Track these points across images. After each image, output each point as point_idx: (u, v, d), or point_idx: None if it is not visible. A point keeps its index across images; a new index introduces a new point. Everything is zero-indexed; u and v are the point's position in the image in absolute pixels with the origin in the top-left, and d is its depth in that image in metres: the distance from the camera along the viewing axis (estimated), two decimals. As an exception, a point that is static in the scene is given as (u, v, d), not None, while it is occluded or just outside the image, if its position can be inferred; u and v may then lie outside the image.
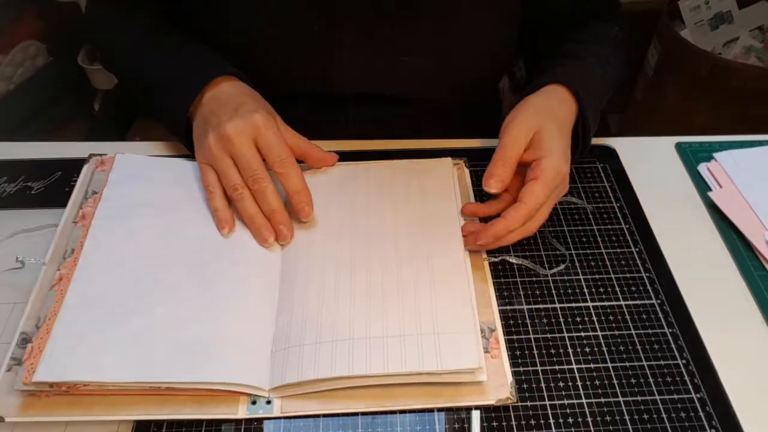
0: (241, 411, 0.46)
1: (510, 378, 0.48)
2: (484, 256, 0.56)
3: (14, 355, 0.47)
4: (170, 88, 0.62)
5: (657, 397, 0.48)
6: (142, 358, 0.46)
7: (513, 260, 0.56)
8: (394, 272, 0.53)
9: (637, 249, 0.59)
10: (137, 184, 0.59)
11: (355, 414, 0.46)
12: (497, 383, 0.48)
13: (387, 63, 0.66)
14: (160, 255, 0.53)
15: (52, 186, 0.63)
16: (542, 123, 0.56)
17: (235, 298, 0.51)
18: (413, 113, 0.72)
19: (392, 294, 0.51)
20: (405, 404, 0.47)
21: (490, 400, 0.47)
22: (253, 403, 0.46)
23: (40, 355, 0.46)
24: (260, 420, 0.46)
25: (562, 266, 0.57)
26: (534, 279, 0.56)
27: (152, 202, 0.58)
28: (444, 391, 0.47)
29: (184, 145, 0.62)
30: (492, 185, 0.54)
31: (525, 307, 0.54)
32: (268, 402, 0.46)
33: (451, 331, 0.49)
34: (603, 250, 0.59)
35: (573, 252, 0.59)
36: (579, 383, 0.49)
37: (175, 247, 0.54)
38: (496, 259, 0.56)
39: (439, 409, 0.47)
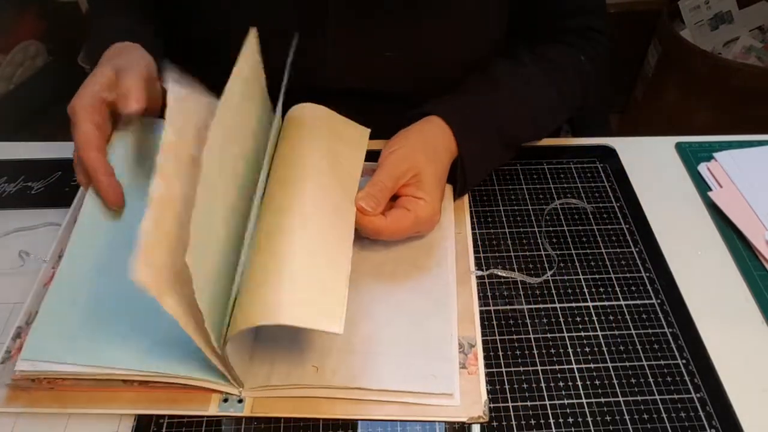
0: (212, 408, 0.46)
1: (485, 396, 0.48)
2: (472, 269, 0.56)
3: (9, 348, 0.48)
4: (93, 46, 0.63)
5: (657, 397, 0.48)
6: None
7: (502, 273, 0.56)
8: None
9: (637, 249, 0.59)
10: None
11: (333, 420, 0.46)
12: (471, 400, 0.47)
13: (374, 58, 0.66)
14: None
15: (51, 186, 0.63)
16: (425, 166, 0.56)
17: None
18: (401, 110, 0.72)
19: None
20: (377, 415, 0.46)
21: (462, 418, 0.46)
22: (225, 401, 0.47)
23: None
24: (260, 419, 0.46)
25: (549, 273, 0.57)
26: (534, 279, 0.56)
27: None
28: (418, 406, 0.47)
29: None
30: (368, 204, 0.54)
31: (525, 307, 0.54)
32: (240, 401, 0.47)
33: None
34: (603, 250, 0.59)
35: (573, 252, 0.59)
36: (579, 383, 0.49)
37: None
38: (483, 273, 0.56)
39: (390, 420, 0.47)
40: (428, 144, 0.58)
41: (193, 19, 0.67)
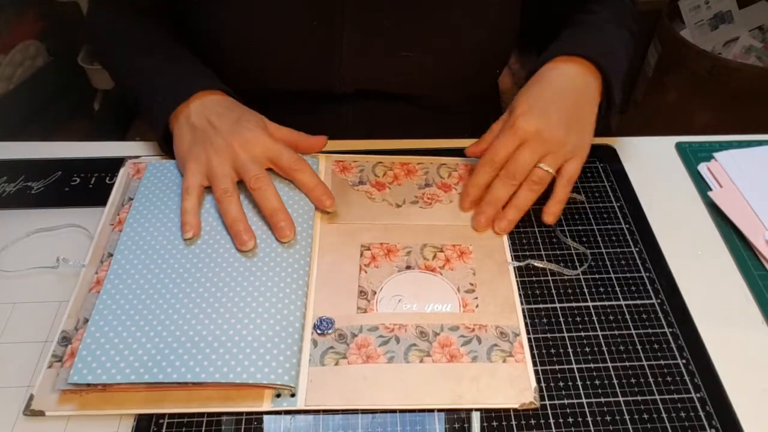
0: (266, 404, 0.47)
1: (533, 383, 0.48)
2: (509, 260, 0.56)
3: (55, 352, 0.49)
4: (155, 92, 0.62)
5: (657, 397, 0.48)
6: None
7: (539, 264, 0.56)
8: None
9: (637, 249, 0.59)
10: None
11: (374, 412, 0.47)
12: (521, 387, 0.48)
13: (387, 59, 0.66)
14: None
15: (51, 186, 0.63)
16: (514, 104, 0.59)
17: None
18: (413, 111, 0.72)
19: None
20: (432, 404, 0.47)
21: (513, 404, 0.47)
22: (278, 396, 0.47)
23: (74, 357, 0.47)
24: (260, 418, 0.46)
25: (586, 265, 0.57)
26: (534, 279, 0.56)
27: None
28: (467, 394, 0.47)
29: (161, 147, 0.63)
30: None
31: (525, 307, 0.54)
32: (293, 395, 0.47)
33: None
34: (603, 250, 0.59)
35: (573, 252, 0.59)
36: (579, 383, 0.49)
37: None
38: (521, 263, 0.56)
39: (440, 410, 0.47)
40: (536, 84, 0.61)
41: (203, 25, 0.67)
